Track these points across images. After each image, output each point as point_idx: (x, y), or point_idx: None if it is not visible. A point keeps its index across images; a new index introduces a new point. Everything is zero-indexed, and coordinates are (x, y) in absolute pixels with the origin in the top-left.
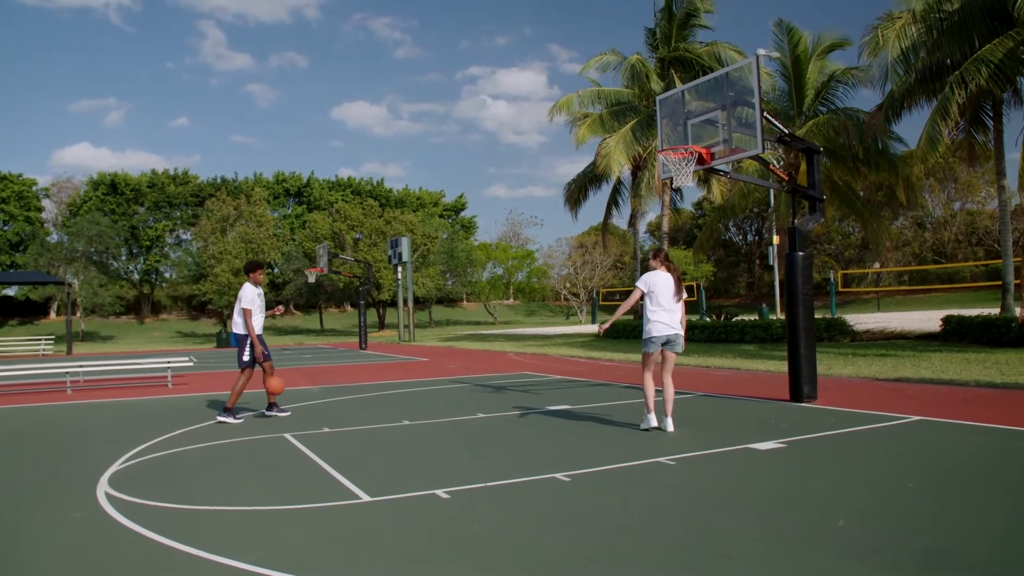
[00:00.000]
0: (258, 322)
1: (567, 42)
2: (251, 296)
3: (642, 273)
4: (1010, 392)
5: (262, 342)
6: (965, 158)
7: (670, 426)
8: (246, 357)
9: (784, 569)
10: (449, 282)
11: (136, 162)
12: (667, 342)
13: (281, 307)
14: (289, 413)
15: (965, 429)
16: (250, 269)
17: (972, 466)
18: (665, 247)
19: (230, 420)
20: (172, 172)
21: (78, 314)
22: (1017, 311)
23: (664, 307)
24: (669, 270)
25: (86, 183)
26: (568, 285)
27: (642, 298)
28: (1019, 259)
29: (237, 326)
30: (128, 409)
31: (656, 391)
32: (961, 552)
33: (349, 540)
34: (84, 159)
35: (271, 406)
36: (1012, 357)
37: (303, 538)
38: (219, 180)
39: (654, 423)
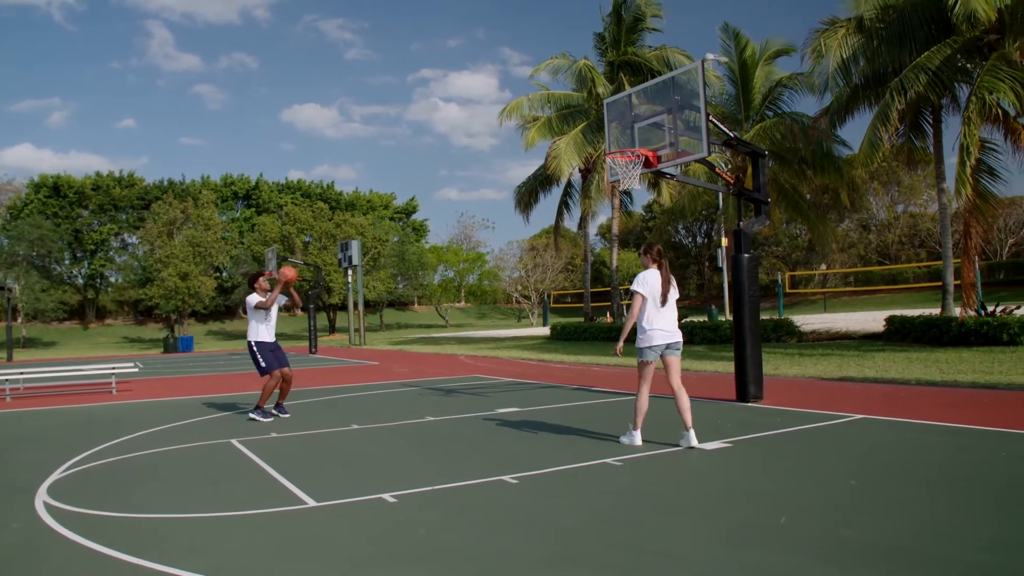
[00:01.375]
0: (268, 330)
1: (519, 45)
2: (256, 299)
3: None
4: (949, 390)
5: (271, 349)
6: (905, 162)
7: (694, 440)
8: (263, 364)
9: (727, 567)
10: (400, 285)
11: (80, 164)
12: (668, 347)
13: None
14: (288, 415)
15: (907, 426)
16: (252, 280)
17: (913, 462)
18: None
19: (260, 418)
20: (117, 174)
21: (19, 320)
22: (957, 312)
23: (661, 310)
24: (660, 267)
25: (27, 185)
26: (520, 288)
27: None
28: (958, 261)
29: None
30: (71, 417)
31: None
32: (902, 546)
33: (294, 546)
34: (26, 160)
35: (279, 405)
36: (952, 356)
37: (247, 545)
38: (166, 183)
39: (639, 441)
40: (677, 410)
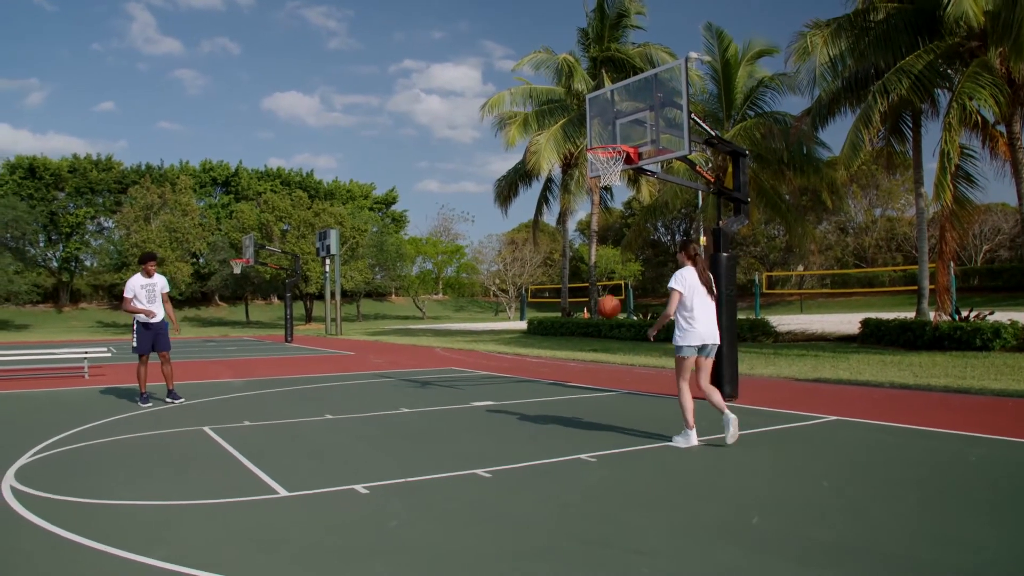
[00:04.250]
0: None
1: (502, 39)
2: (133, 286)
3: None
4: (923, 393)
5: (150, 329)
6: (884, 166)
7: (732, 420)
8: (134, 343)
9: (696, 564)
10: (378, 276)
11: (57, 145)
12: (703, 347)
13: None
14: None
15: (879, 428)
16: (141, 261)
17: (884, 464)
18: (700, 242)
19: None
20: (95, 157)
21: None
22: (931, 316)
23: (700, 308)
24: (696, 264)
25: (2, 166)
26: (498, 281)
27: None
28: (934, 265)
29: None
30: (41, 400)
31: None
32: (871, 546)
33: (263, 535)
34: (1, 140)
35: (170, 392)
36: (926, 360)
37: (216, 534)
38: (144, 167)
39: (695, 440)
40: (712, 403)
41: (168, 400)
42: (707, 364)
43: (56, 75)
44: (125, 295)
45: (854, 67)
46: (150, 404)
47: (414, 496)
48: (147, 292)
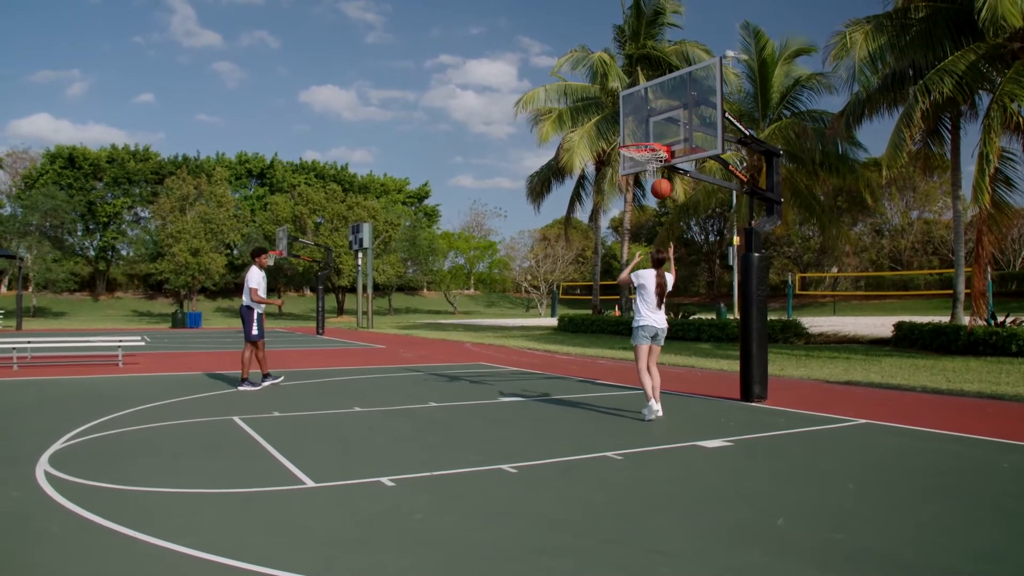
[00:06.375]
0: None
1: (540, 35)
2: (257, 278)
3: (635, 269)
4: (955, 399)
5: (259, 321)
6: (921, 168)
7: (657, 409)
8: (255, 331)
9: (716, 566)
10: (410, 270)
11: (97, 136)
12: (654, 336)
13: (281, 300)
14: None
15: (909, 433)
16: (256, 254)
17: (913, 470)
18: (669, 252)
19: (249, 388)
20: (133, 148)
21: (30, 289)
22: (966, 320)
23: (649, 304)
24: (658, 275)
25: (43, 155)
26: (529, 278)
27: (632, 291)
28: (970, 269)
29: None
30: (75, 387)
31: None
32: (894, 553)
33: (289, 525)
34: (43, 130)
35: (266, 376)
36: (959, 365)
37: (243, 522)
38: (181, 158)
39: (656, 409)
40: (652, 386)
41: (262, 383)
42: (655, 350)
43: (97, 66)
44: (252, 286)
45: (893, 65)
46: (275, 380)
47: (439, 490)
48: (266, 283)
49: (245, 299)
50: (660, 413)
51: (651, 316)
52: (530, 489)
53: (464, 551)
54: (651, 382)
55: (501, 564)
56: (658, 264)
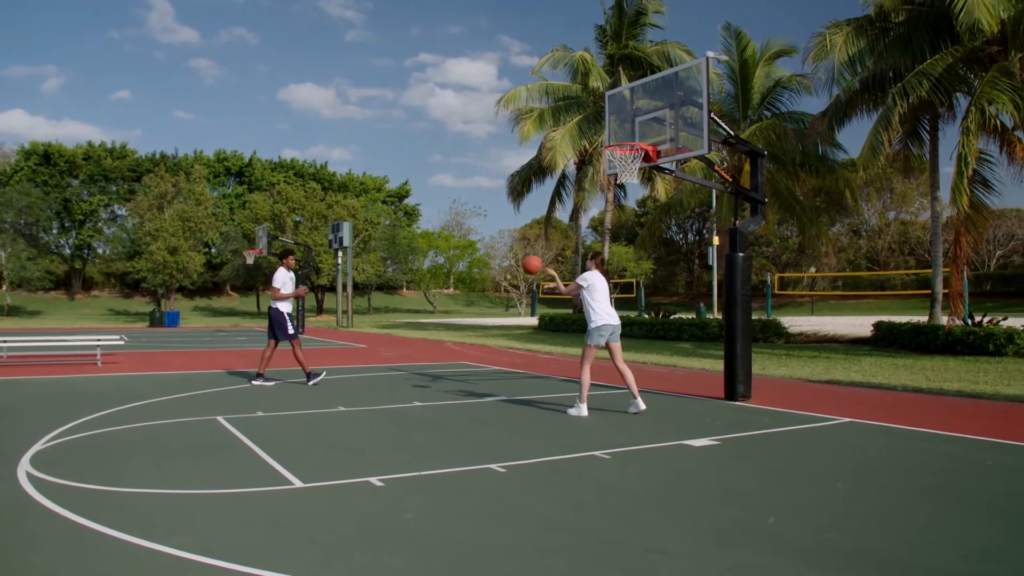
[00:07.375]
0: (289, 302)
1: (520, 34)
2: (283, 278)
3: (583, 271)
4: (935, 397)
5: (290, 319)
6: (901, 169)
7: (642, 405)
8: (290, 330)
9: (711, 565)
10: (389, 269)
11: (73, 132)
12: (612, 334)
13: (304, 287)
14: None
15: (892, 432)
16: (283, 256)
17: (899, 468)
18: (605, 254)
19: (263, 383)
20: (109, 145)
21: (4, 287)
22: (944, 320)
23: (603, 303)
24: (604, 274)
25: (17, 152)
26: (509, 277)
27: (579, 296)
28: (948, 270)
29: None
30: (54, 387)
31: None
32: (884, 551)
33: (279, 526)
34: (17, 127)
35: (259, 375)
36: (938, 364)
37: (232, 523)
38: (158, 156)
39: (585, 412)
40: (627, 384)
41: (252, 382)
42: (617, 347)
43: (73, 62)
44: (276, 285)
45: (872, 68)
46: (265, 382)
47: (429, 490)
48: (293, 283)
49: (272, 301)
50: (643, 407)
51: (608, 315)
52: (521, 489)
53: (461, 549)
54: (602, 381)
55: (499, 563)
56: (600, 264)
